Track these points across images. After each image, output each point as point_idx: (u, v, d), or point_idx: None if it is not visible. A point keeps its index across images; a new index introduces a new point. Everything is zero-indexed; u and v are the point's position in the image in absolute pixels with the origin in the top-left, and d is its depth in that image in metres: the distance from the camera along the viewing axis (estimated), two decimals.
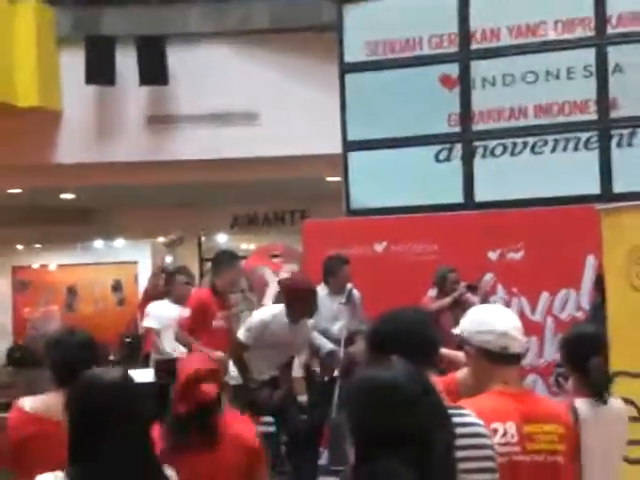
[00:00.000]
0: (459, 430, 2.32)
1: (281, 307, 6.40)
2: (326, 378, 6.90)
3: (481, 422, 2.62)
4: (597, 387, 3.39)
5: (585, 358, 3.38)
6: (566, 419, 2.85)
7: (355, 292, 7.10)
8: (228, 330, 6.64)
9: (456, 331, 2.83)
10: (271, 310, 6.52)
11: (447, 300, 6.90)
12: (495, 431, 2.67)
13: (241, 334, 6.36)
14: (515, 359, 2.79)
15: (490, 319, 2.81)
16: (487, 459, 2.59)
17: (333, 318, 7.01)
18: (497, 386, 2.76)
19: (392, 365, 2.13)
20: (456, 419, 2.39)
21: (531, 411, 2.75)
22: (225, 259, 6.79)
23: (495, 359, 2.76)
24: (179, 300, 7.33)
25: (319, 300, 6.92)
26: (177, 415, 3.17)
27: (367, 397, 2.03)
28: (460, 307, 6.72)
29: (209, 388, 3.21)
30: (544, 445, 2.73)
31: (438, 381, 2.82)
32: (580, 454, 2.90)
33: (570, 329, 3.60)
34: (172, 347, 7.03)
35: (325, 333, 6.97)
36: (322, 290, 6.97)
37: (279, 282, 6.62)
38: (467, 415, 2.61)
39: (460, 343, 2.81)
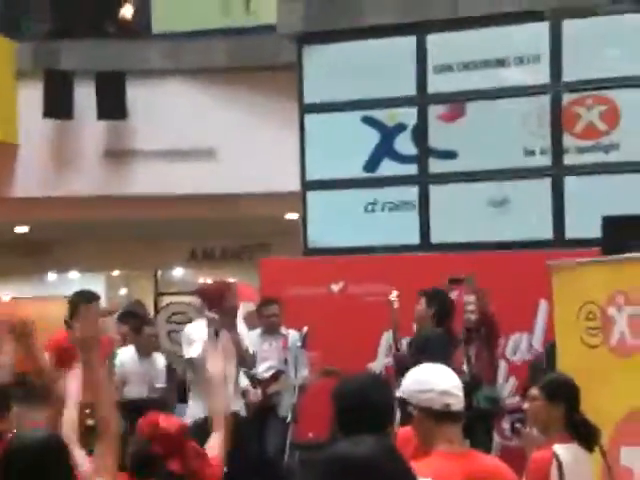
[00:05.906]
0: None
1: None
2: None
3: None
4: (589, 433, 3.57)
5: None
6: (510, 477, 2.86)
7: (292, 334, 7.00)
8: None
9: (398, 393, 2.83)
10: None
11: None
12: None
13: (191, 351, 5.97)
14: (457, 417, 2.80)
15: (430, 378, 2.82)
16: None
17: (262, 359, 6.86)
18: (441, 446, 2.76)
19: (364, 440, 1.88)
20: None
21: (477, 471, 2.75)
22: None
23: (438, 418, 2.76)
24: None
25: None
26: None
27: (341, 476, 1.81)
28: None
29: None
30: None
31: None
32: None
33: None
34: None
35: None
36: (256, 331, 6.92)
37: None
38: None
39: (402, 404, 2.81)
